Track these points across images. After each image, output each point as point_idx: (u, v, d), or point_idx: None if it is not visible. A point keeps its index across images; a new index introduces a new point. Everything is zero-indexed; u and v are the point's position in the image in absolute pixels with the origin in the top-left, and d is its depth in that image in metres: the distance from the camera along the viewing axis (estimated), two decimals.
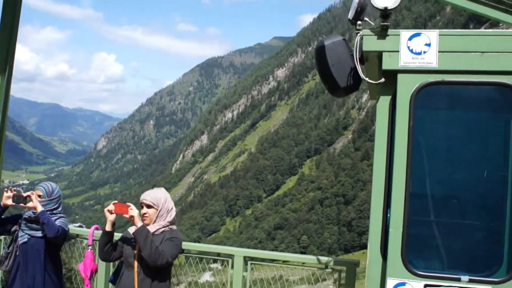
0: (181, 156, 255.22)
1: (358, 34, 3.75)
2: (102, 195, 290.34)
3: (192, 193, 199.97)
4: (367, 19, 3.79)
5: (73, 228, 6.97)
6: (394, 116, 3.80)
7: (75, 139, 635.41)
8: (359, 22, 3.75)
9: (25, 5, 5.59)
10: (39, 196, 5.21)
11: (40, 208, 5.02)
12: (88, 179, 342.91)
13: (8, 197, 5.10)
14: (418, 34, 3.72)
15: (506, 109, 3.85)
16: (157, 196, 4.41)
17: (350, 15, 3.79)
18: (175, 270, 6.39)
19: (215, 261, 7.01)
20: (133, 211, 4.24)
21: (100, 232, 4.69)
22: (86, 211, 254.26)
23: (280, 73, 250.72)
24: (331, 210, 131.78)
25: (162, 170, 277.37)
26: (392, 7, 3.63)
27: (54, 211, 5.28)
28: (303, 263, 6.68)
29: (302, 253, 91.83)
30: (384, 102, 3.86)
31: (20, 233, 5.23)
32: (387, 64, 3.72)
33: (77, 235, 6.94)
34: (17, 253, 5.20)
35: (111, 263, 6.37)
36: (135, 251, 4.30)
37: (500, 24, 4.62)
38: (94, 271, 5.77)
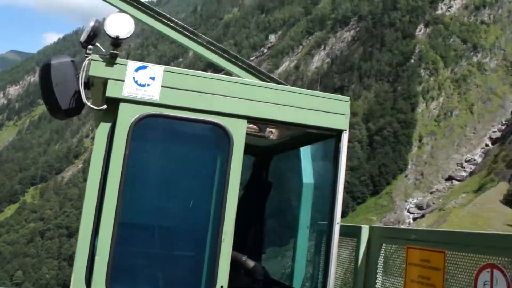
0: None
1: (87, 58, 3.80)
2: None
3: None
4: (98, 44, 3.87)
5: None
6: (112, 144, 3.84)
7: None
8: (90, 46, 3.80)
9: None
10: None
11: None
12: None
13: None
14: (144, 67, 3.89)
15: (217, 147, 4.23)
16: None
17: (83, 38, 3.81)
18: None
19: None
20: None
21: None
22: None
23: (13, 90, 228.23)
24: (52, 243, 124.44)
25: None
26: (124, 37, 3.74)
27: None
28: None
29: None
30: (103, 129, 3.88)
31: None
32: (111, 92, 3.80)
33: None
34: None
35: None
36: None
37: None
38: None
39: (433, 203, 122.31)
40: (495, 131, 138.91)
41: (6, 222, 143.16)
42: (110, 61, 3.79)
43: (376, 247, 4.89)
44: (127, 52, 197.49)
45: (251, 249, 5.63)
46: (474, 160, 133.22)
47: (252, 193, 6.00)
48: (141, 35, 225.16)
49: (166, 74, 3.91)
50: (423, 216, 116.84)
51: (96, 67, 3.77)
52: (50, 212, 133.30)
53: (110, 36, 3.71)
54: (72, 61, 3.90)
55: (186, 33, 4.69)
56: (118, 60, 3.82)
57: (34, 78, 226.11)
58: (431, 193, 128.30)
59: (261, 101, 4.19)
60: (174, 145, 4.44)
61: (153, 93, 3.86)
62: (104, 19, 3.72)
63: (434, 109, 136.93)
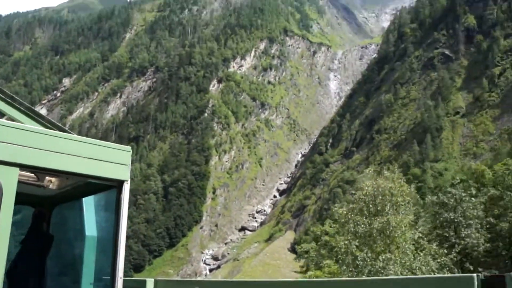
0: None
1: None
2: None
3: None
4: None
5: None
6: None
7: None
8: None
9: None
10: None
11: None
12: None
13: None
14: None
15: None
16: None
17: None
18: None
19: None
20: None
21: None
22: None
23: None
24: None
25: None
26: None
27: None
28: None
29: None
30: None
31: None
32: None
33: None
34: None
35: None
36: None
37: None
38: None
39: (228, 253, 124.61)
40: (282, 183, 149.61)
41: None
42: None
43: None
44: None
45: None
46: (264, 210, 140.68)
47: (32, 247, 5.55)
48: None
49: None
50: (219, 267, 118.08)
51: None
52: None
53: None
54: None
55: None
56: None
57: None
58: (225, 243, 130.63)
59: (36, 148, 3.97)
60: None
61: None
62: None
63: (226, 161, 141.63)
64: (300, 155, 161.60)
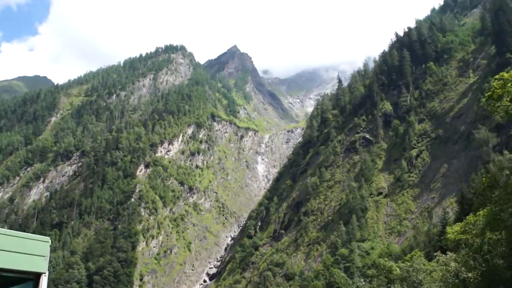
0: None
1: None
2: None
3: None
4: None
5: None
6: None
7: None
8: None
9: None
10: None
11: None
12: None
13: None
14: None
15: None
16: None
17: None
18: None
19: None
20: None
21: None
22: None
23: None
24: None
25: None
26: None
27: None
28: None
29: None
30: None
31: None
32: None
33: None
34: None
35: None
36: None
37: None
38: None
39: None
40: (211, 267, 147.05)
41: None
42: None
43: None
44: None
45: None
46: None
47: None
48: None
49: None
50: None
51: None
52: None
53: None
54: None
55: None
56: None
57: None
58: None
59: None
60: None
61: None
62: None
63: (154, 247, 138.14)
64: (229, 238, 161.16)
